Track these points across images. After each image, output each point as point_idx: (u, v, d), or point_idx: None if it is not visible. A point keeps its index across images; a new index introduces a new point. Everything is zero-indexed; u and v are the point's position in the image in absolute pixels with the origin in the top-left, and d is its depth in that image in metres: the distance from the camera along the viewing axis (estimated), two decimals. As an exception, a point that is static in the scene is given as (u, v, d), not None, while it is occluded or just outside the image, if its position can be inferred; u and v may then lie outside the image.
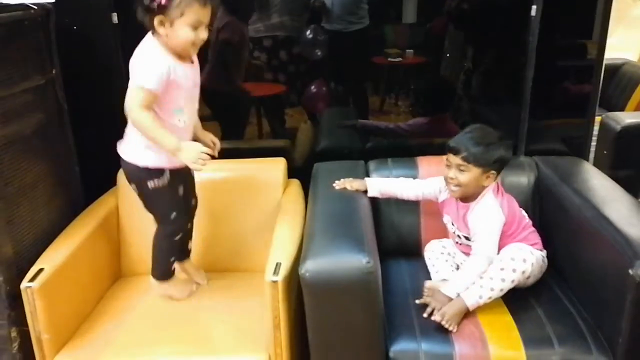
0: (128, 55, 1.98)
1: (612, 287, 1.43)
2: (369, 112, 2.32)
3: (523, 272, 1.56)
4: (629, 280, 1.33)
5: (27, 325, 1.56)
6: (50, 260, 1.61)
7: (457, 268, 1.72)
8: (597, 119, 2.38)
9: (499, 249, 1.61)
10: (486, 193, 1.66)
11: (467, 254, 1.71)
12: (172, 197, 1.64)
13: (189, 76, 1.55)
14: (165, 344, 1.62)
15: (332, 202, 1.73)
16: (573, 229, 1.67)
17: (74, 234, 1.76)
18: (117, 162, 2.01)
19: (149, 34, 1.51)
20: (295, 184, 2.04)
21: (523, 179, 1.91)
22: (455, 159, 1.63)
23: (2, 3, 1.62)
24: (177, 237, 1.72)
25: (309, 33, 2.15)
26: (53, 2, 1.80)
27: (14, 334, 1.61)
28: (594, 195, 1.67)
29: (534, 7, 1.95)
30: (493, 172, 1.64)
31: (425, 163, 1.94)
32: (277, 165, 2.00)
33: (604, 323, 1.48)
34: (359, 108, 2.33)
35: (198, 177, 1.82)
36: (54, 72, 1.84)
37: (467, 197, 1.67)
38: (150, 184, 1.58)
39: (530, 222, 1.73)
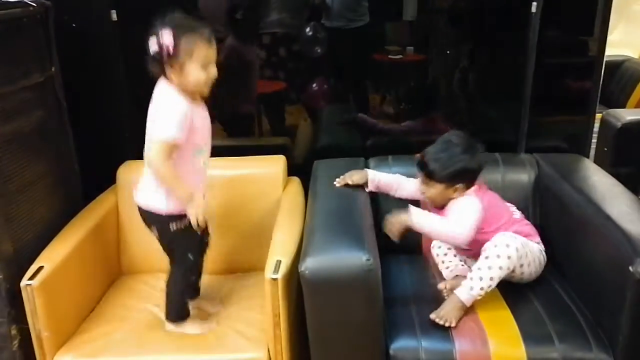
0: (127, 52, 2.00)
1: (612, 284, 1.43)
2: (369, 109, 2.31)
3: (509, 257, 1.52)
4: (629, 277, 1.33)
5: (27, 323, 1.56)
6: (50, 258, 1.61)
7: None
8: (598, 116, 2.38)
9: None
10: (466, 194, 1.65)
11: (460, 252, 1.72)
12: (192, 238, 1.63)
13: (204, 116, 1.57)
14: (165, 342, 1.63)
15: (331, 199, 1.73)
16: (573, 226, 1.67)
17: (73, 231, 1.75)
18: (116, 159, 2.03)
19: (163, 80, 1.51)
20: (295, 181, 2.04)
21: (523, 176, 1.91)
22: (421, 175, 1.66)
23: (0, 1, 1.61)
24: (193, 277, 1.72)
25: (308, 30, 2.15)
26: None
27: (14, 331, 1.61)
28: (594, 192, 1.67)
29: (534, 3, 1.95)
30: (459, 185, 1.62)
31: (425, 160, 1.94)
32: (277, 163, 1.99)
33: (604, 320, 1.48)
34: (359, 105, 2.33)
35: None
36: (53, 69, 1.83)
37: (442, 206, 1.68)
38: (172, 226, 1.58)
39: (523, 217, 1.72)
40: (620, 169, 2.36)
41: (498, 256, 1.52)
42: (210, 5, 2.14)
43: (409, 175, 1.84)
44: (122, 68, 2.01)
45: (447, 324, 1.48)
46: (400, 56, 2.22)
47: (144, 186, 1.61)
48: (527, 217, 1.88)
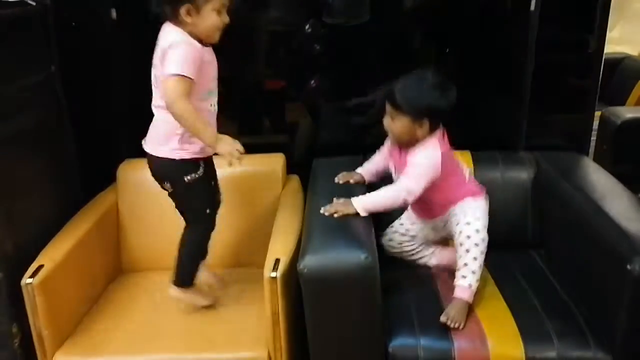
0: (127, 50, 2.00)
1: (611, 283, 1.43)
2: (368, 105, 2.31)
3: (483, 240, 1.55)
4: (627, 275, 1.33)
5: (27, 321, 1.57)
6: (50, 256, 1.62)
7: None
8: (597, 113, 2.38)
9: (450, 202, 1.63)
10: (429, 139, 1.60)
11: (419, 214, 1.74)
12: (207, 190, 1.62)
13: (212, 58, 1.56)
14: (165, 339, 1.63)
15: (331, 197, 1.73)
16: (572, 224, 1.67)
17: (74, 230, 1.76)
18: (116, 158, 2.03)
19: (169, 24, 1.50)
20: (295, 179, 2.04)
21: (522, 174, 1.91)
22: (388, 107, 1.60)
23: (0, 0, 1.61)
24: (209, 236, 1.69)
25: (308, 27, 2.14)
26: (51, -2, 1.80)
27: (14, 330, 1.61)
28: (593, 190, 1.68)
29: (533, 1, 1.94)
30: (425, 121, 1.56)
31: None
32: (276, 161, 2.00)
33: (603, 319, 1.48)
34: (359, 102, 2.32)
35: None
36: (52, 68, 1.84)
37: (406, 144, 1.63)
38: (187, 178, 1.56)
39: (468, 175, 1.72)
40: (620, 167, 2.35)
41: (476, 244, 1.55)
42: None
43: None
44: (122, 66, 2.01)
45: (459, 326, 1.47)
46: (400, 52, 2.22)
47: (154, 134, 1.59)
48: (526, 215, 1.89)
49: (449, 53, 2.18)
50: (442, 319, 1.49)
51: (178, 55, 1.44)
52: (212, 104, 1.58)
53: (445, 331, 1.48)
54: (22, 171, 1.67)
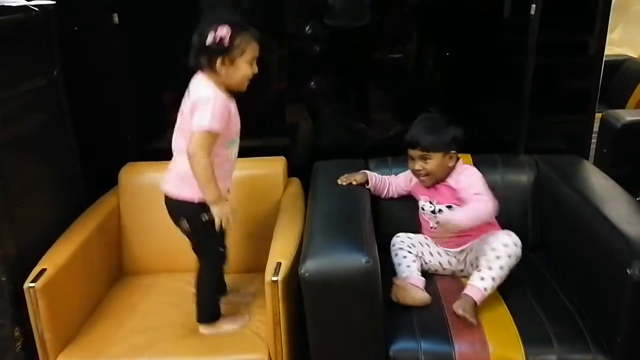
0: (129, 55, 2.01)
1: (611, 287, 1.43)
2: (369, 108, 2.32)
3: (517, 257, 1.58)
4: (627, 279, 1.34)
5: (30, 325, 1.58)
6: (53, 260, 1.63)
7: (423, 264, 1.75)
8: (598, 116, 2.37)
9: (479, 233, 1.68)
10: (458, 164, 1.77)
11: (445, 243, 1.74)
12: (222, 230, 1.63)
13: (236, 109, 1.61)
14: (166, 342, 1.64)
15: (331, 200, 1.74)
16: (572, 227, 1.67)
17: (75, 234, 1.77)
18: (118, 161, 2.04)
19: (201, 75, 1.55)
20: (296, 182, 2.05)
21: (523, 177, 1.92)
22: (416, 152, 1.74)
23: (3, 5, 1.62)
24: (223, 269, 1.72)
25: (308, 29, 2.15)
26: (54, 4, 1.80)
27: (17, 333, 1.62)
28: (593, 194, 1.68)
29: (533, 6, 1.95)
30: (453, 151, 1.74)
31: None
32: (277, 164, 2.01)
33: (603, 322, 1.48)
34: (360, 104, 2.33)
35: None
36: (55, 72, 1.85)
37: (438, 181, 1.76)
38: (204, 217, 1.58)
39: None
40: (620, 170, 2.35)
41: (509, 256, 1.57)
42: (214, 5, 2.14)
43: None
44: (124, 71, 2.02)
45: (472, 320, 1.48)
46: (401, 55, 2.23)
47: (174, 175, 1.61)
48: (526, 218, 1.90)
49: (449, 56, 2.18)
50: (459, 311, 1.49)
51: (209, 111, 1.49)
52: (233, 153, 1.64)
53: (445, 334, 1.48)
54: (24, 175, 1.68)
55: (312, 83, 2.26)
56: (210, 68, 1.52)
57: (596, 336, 1.48)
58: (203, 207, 1.57)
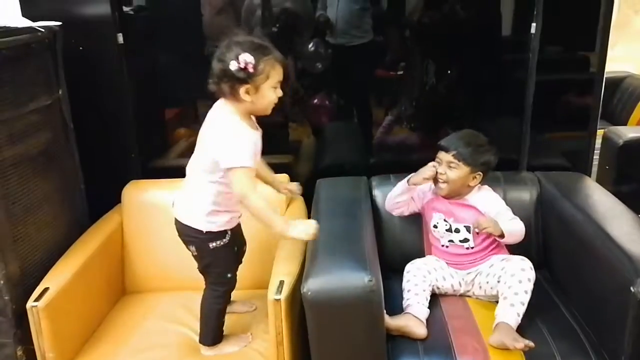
0: (133, 74, 2.03)
1: (614, 304, 1.43)
2: (373, 126, 2.33)
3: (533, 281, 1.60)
4: (630, 297, 1.34)
5: (33, 344, 1.57)
6: (56, 279, 1.63)
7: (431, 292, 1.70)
8: (600, 132, 2.38)
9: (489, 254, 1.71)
10: (480, 186, 1.77)
11: (455, 265, 1.72)
12: (231, 256, 1.64)
13: (260, 139, 1.58)
14: (169, 361, 1.63)
15: (334, 218, 1.74)
16: (575, 245, 1.67)
17: (79, 252, 1.77)
18: (122, 179, 2.05)
19: (224, 102, 1.51)
20: (298, 200, 2.05)
21: (525, 194, 1.91)
22: (446, 156, 1.72)
23: (10, 27, 1.64)
24: (230, 295, 1.69)
25: (311, 46, 2.17)
26: (60, 24, 1.83)
27: (20, 352, 1.62)
28: (595, 211, 1.68)
29: (533, 24, 1.97)
30: (479, 173, 1.73)
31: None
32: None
33: (607, 340, 1.48)
34: (363, 122, 2.34)
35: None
36: (60, 92, 1.86)
37: (453, 195, 1.75)
38: (212, 244, 1.58)
39: None
40: (623, 187, 2.36)
41: (529, 279, 1.58)
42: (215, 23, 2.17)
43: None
44: (128, 90, 2.04)
45: (525, 343, 1.45)
46: (403, 72, 2.24)
47: (186, 202, 1.60)
48: (529, 236, 1.89)
49: (451, 74, 2.20)
50: (518, 346, 1.44)
51: (242, 147, 1.46)
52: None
53: (449, 353, 1.48)
54: (28, 193, 1.69)
55: (315, 100, 2.28)
56: (234, 96, 1.47)
57: (600, 354, 1.47)
58: (210, 235, 1.57)
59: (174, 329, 1.77)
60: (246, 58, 1.41)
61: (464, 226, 1.73)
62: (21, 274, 1.63)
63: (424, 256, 1.86)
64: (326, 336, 1.45)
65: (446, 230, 1.75)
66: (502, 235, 1.64)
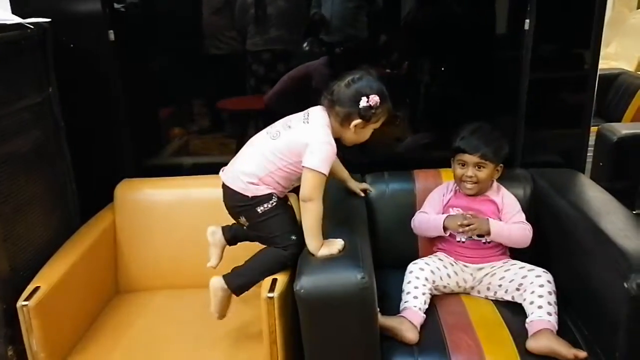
0: (125, 72, 2.02)
1: (608, 300, 1.43)
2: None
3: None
4: (624, 293, 1.33)
5: (23, 344, 1.56)
6: (46, 278, 1.61)
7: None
8: (594, 129, 2.38)
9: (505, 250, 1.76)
10: (498, 186, 1.83)
11: (468, 258, 1.72)
12: (286, 215, 1.61)
13: None
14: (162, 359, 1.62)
15: (327, 217, 1.73)
16: (569, 242, 1.67)
17: (70, 251, 1.76)
18: (114, 178, 2.03)
19: (322, 112, 1.58)
20: (292, 198, 2.04)
21: (519, 191, 1.91)
22: (472, 158, 1.74)
23: (-1, 24, 1.63)
24: (289, 261, 1.58)
25: (306, 45, 2.16)
26: (50, 21, 1.81)
27: (10, 352, 1.60)
28: (589, 208, 1.68)
29: (527, 21, 1.96)
30: (501, 165, 1.80)
31: (422, 176, 1.96)
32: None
33: (601, 336, 1.48)
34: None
35: (193, 193, 1.83)
36: (50, 90, 1.85)
37: (479, 193, 1.79)
38: (260, 208, 1.57)
39: None
40: (617, 184, 2.35)
41: (549, 282, 1.61)
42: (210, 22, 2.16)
43: (404, 190, 1.91)
44: (120, 88, 2.03)
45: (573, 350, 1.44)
46: (396, 70, 2.24)
47: (237, 167, 1.60)
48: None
49: (445, 71, 2.19)
50: (569, 355, 1.43)
51: (325, 154, 1.52)
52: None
53: (443, 350, 1.47)
54: (19, 192, 1.67)
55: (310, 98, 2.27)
56: (342, 121, 1.55)
57: (595, 350, 1.47)
58: (256, 199, 1.56)
59: (167, 327, 1.75)
60: (377, 100, 1.52)
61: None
62: (11, 273, 1.61)
63: (418, 254, 1.86)
64: (319, 334, 1.44)
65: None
66: (488, 233, 1.68)
